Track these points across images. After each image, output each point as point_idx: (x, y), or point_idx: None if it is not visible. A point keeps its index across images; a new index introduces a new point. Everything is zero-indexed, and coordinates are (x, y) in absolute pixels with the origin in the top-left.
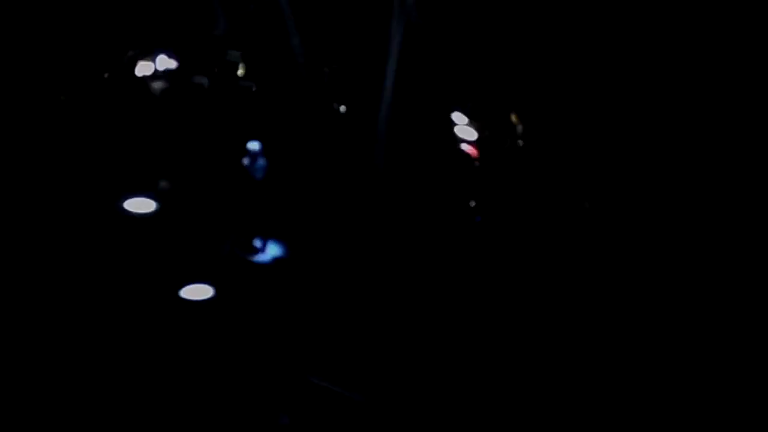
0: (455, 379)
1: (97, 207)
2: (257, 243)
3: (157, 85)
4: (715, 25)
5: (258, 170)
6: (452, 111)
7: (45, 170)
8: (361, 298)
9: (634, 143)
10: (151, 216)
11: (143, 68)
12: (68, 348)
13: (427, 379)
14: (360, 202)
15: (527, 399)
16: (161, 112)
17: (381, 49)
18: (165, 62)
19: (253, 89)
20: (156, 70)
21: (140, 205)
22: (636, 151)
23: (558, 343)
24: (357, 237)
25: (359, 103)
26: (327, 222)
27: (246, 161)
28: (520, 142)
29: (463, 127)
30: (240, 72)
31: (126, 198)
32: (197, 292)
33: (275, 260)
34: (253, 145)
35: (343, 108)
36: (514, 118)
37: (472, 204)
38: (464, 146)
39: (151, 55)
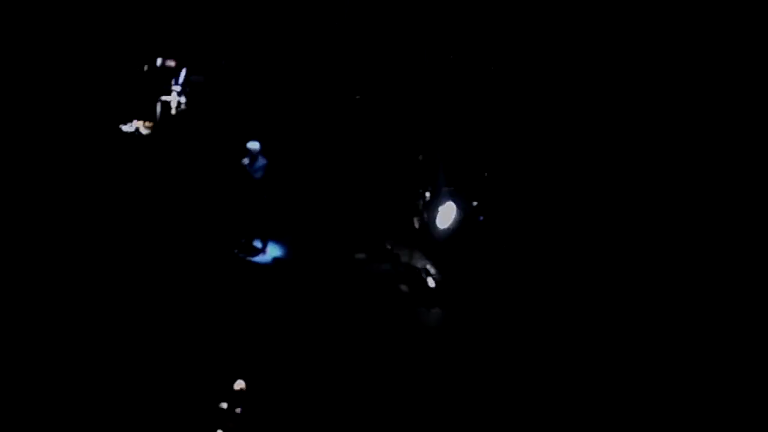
0: (455, 379)
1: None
2: (257, 243)
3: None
4: (710, 25)
5: (257, 170)
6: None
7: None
8: (361, 298)
9: (634, 143)
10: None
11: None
12: (67, 347)
13: (427, 379)
14: (360, 201)
15: (527, 399)
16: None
17: None
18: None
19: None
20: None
21: None
22: (635, 150)
23: (558, 342)
24: (357, 237)
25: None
26: (327, 222)
27: (245, 161)
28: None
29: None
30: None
31: None
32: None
33: (275, 260)
34: (253, 145)
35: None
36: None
37: (474, 204)
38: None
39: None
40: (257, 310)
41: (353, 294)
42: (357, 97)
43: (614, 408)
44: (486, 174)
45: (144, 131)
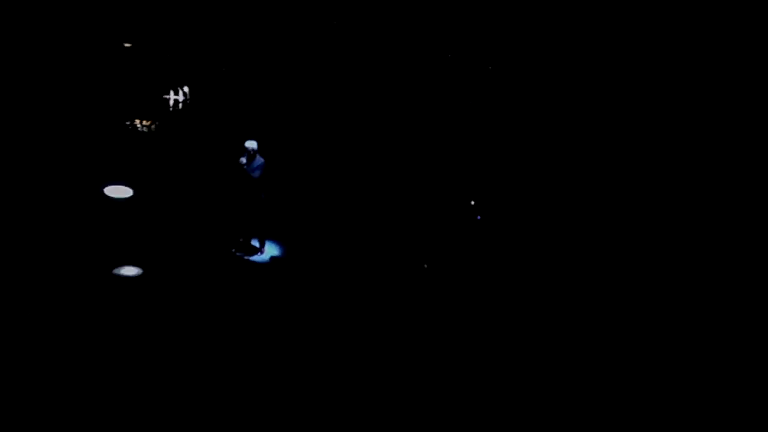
0: (455, 379)
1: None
2: (255, 243)
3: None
4: (704, 25)
5: (255, 169)
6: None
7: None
8: (361, 298)
9: (634, 143)
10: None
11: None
12: (67, 347)
13: (427, 379)
14: (359, 201)
15: (527, 399)
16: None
17: None
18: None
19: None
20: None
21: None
22: (635, 150)
23: (558, 342)
24: (357, 237)
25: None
26: (326, 222)
27: (243, 160)
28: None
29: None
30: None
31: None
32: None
33: (273, 259)
34: (251, 144)
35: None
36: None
37: (472, 203)
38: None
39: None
40: (255, 310)
41: (353, 294)
42: (353, 95)
43: (614, 408)
44: (485, 174)
45: (142, 129)
